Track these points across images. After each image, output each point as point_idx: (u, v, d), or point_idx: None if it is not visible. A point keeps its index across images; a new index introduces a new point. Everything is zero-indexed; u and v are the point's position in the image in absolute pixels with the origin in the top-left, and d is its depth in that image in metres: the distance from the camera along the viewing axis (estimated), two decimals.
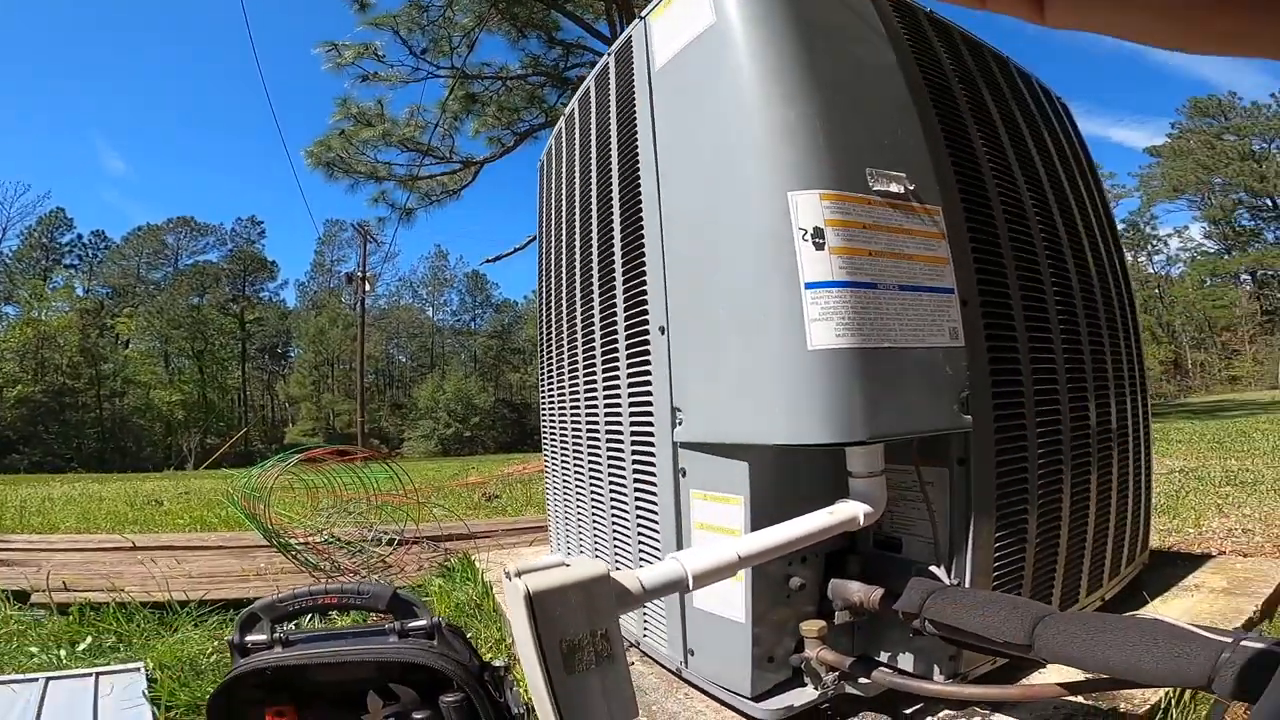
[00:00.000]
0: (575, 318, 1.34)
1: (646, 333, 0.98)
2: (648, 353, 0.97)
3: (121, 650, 1.70)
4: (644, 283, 0.99)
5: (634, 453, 1.04)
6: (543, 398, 1.73)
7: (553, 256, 1.57)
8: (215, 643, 1.66)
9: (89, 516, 5.62)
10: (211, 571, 2.90)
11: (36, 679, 1.23)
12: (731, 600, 0.88)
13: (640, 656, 1.15)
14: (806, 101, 0.79)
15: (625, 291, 1.06)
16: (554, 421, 1.60)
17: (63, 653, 1.63)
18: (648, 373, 0.97)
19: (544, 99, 11.63)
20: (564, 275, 1.44)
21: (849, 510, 0.76)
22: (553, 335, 1.58)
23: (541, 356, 1.71)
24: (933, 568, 0.87)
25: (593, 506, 1.29)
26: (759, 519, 0.81)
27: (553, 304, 1.57)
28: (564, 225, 1.45)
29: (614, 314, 1.11)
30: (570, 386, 1.40)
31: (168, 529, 4.80)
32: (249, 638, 0.97)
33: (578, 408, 1.35)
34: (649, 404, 0.97)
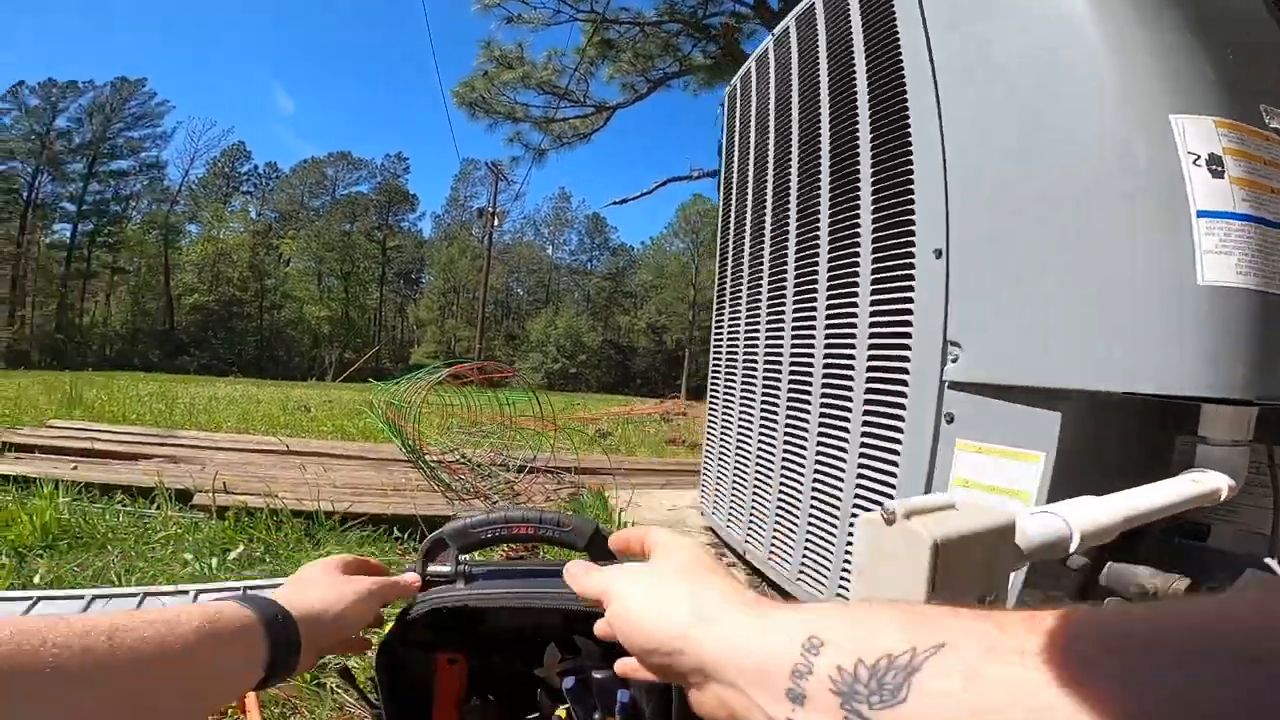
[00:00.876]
0: (784, 243, 1.22)
1: (908, 256, 0.85)
2: (910, 279, 0.84)
3: (268, 561, 1.71)
4: (909, 202, 0.85)
5: (868, 390, 0.92)
6: (718, 329, 1.64)
7: (750, 184, 1.45)
8: None
9: (247, 417, 6.13)
10: (354, 482, 3.01)
11: (187, 591, 1.28)
12: None
13: None
14: (1186, 18, 0.69)
15: (876, 212, 0.92)
16: (734, 352, 1.51)
17: (214, 561, 1.64)
18: (908, 300, 0.84)
19: (679, 47, 11.37)
20: (767, 202, 1.32)
21: (1213, 481, 0.61)
22: (744, 263, 1.47)
23: (724, 288, 1.62)
24: (1270, 560, 0.71)
25: (784, 449, 1.20)
26: (1062, 483, 0.67)
27: (746, 231, 1.46)
28: (770, 151, 1.32)
29: (853, 237, 0.98)
30: (769, 316, 1.29)
31: (314, 434, 5.17)
32: (432, 568, 0.83)
33: (777, 339, 1.24)
34: (905, 336, 0.85)
